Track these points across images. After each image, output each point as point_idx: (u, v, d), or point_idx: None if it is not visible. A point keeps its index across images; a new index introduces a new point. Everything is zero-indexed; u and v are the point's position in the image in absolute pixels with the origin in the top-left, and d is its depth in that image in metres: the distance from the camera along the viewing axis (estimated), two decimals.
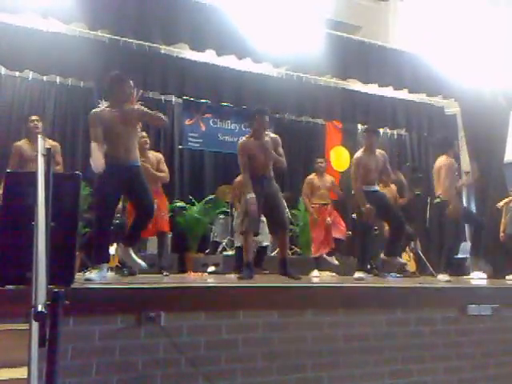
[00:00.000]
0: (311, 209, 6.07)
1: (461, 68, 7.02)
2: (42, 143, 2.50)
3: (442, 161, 5.41)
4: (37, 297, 1.54)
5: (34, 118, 5.07)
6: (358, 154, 5.13)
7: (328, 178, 6.30)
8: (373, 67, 6.93)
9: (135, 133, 3.88)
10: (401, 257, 5.95)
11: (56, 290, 1.66)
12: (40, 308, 1.49)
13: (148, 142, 5.13)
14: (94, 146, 3.59)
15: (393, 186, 6.70)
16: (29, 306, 1.59)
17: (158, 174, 4.97)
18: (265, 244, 6.00)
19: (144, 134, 5.05)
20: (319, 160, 6.39)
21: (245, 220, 4.41)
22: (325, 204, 6.07)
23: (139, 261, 3.82)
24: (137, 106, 3.80)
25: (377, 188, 5.21)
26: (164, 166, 5.13)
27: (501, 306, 4.08)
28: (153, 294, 3.06)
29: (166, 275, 4.78)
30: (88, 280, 3.39)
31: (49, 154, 2.35)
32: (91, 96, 7.42)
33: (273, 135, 4.62)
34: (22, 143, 4.95)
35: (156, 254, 5.25)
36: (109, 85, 3.83)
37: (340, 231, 6.13)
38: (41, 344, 1.56)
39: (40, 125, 4.99)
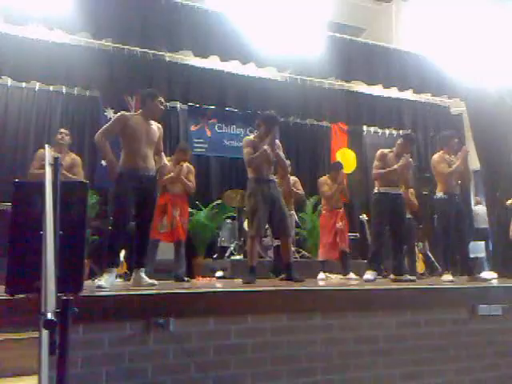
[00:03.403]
0: (323, 211, 6.09)
1: (466, 67, 7.00)
2: (49, 152, 2.52)
3: None
4: (46, 305, 1.55)
5: (63, 130, 5.14)
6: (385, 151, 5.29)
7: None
8: (377, 68, 6.93)
9: (153, 147, 3.93)
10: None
11: (65, 297, 1.67)
12: (49, 316, 1.50)
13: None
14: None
15: (411, 190, 6.67)
16: (38, 315, 1.61)
17: (187, 181, 5.06)
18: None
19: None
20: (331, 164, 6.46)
21: (253, 223, 4.43)
22: (337, 208, 6.04)
23: (151, 281, 3.82)
24: (161, 131, 4.00)
25: (398, 192, 5.17)
26: (192, 177, 5.21)
27: (511, 306, 4.05)
28: (161, 300, 3.06)
29: (188, 281, 4.90)
30: (99, 287, 3.41)
31: (56, 164, 2.38)
32: (97, 105, 7.50)
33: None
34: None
35: (166, 259, 5.28)
36: (142, 98, 3.97)
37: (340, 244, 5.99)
38: (51, 352, 1.57)
39: (67, 138, 5.03)
